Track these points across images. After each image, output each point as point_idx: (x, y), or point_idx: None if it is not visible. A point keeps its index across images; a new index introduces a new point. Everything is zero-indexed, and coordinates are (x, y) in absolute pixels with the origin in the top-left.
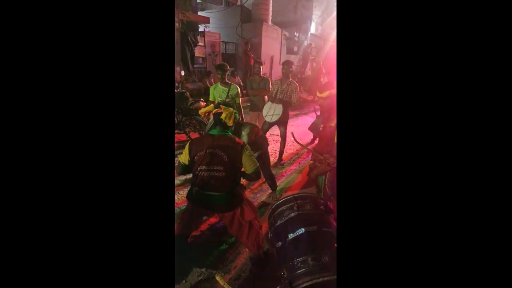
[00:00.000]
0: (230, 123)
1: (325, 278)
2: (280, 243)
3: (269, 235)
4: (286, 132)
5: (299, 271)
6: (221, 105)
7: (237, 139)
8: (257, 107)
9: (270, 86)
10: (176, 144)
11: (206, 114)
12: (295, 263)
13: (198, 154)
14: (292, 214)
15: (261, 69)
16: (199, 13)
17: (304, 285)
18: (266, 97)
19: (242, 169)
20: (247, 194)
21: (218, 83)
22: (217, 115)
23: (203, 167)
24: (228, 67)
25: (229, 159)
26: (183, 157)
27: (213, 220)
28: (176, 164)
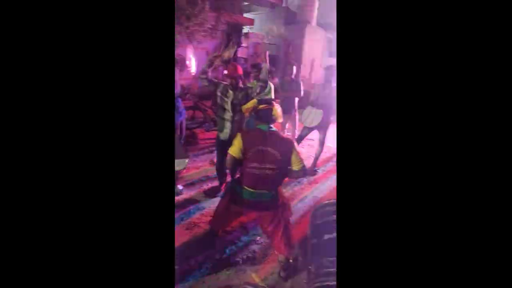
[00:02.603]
0: (280, 119)
1: None
2: (315, 240)
3: (308, 231)
4: (324, 139)
5: (325, 270)
6: (272, 102)
7: (284, 135)
8: (286, 109)
9: (302, 89)
10: (210, 141)
11: (250, 110)
12: (324, 261)
13: (251, 151)
14: (331, 218)
15: (294, 71)
16: (244, 15)
17: (326, 283)
18: (296, 99)
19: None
20: None
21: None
22: (265, 111)
23: (255, 164)
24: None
25: (282, 157)
26: (235, 150)
27: (243, 219)
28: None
